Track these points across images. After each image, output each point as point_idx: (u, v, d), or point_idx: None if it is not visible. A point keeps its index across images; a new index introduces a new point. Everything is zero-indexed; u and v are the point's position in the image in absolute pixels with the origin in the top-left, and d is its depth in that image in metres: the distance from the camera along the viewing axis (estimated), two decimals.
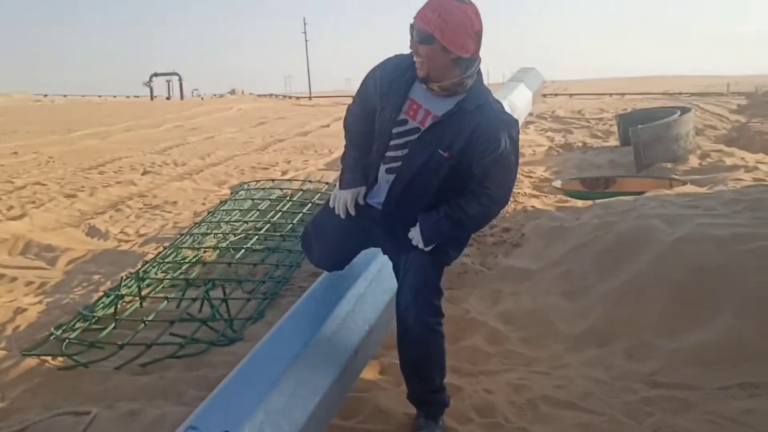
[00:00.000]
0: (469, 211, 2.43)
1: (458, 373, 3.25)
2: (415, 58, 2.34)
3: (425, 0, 2.29)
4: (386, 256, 2.75)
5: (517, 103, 8.60)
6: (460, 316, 3.90)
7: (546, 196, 6.51)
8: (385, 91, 2.46)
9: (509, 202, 2.56)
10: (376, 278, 3.10)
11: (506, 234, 5.26)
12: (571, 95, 33.91)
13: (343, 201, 2.58)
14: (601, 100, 27.39)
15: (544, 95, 22.66)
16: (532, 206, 5.97)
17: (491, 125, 2.34)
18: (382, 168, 2.50)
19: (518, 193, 6.72)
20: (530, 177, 7.98)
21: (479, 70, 2.40)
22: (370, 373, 3.22)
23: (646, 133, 8.70)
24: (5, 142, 15.48)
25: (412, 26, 2.31)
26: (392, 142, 2.45)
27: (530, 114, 11.19)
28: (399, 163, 2.44)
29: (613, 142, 11.96)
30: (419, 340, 2.52)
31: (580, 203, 5.93)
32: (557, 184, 7.24)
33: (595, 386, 3.02)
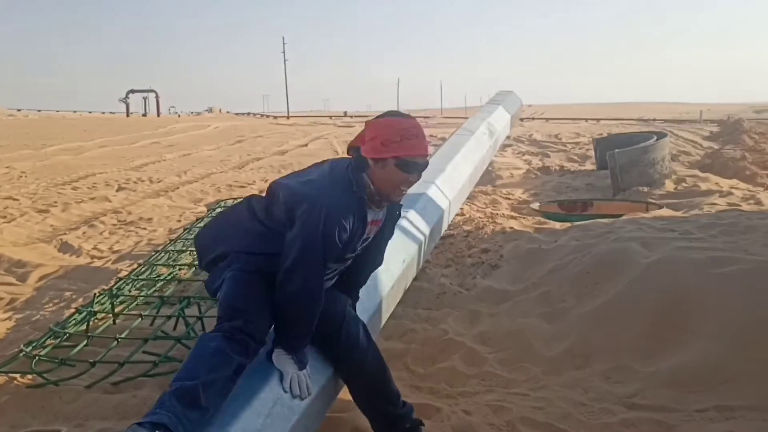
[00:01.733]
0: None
1: (437, 395, 3.23)
2: (403, 188, 2.36)
3: (402, 127, 2.30)
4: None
5: (496, 125, 8.62)
6: (438, 337, 3.88)
7: (524, 218, 6.54)
8: (347, 240, 2.35)
9: None
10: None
11: (485, 255, 5.26)
12: (547, 119, 34.39)
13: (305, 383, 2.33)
14: (577, 125, 27.80)
15: (521, 119, 22.90)
16: (511, 227, 5.99)
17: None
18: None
19: (497, 214, 6.74)
20: (508, 199, 8.03)
21: None
22: (348, 394, 3.18)
23: (623, 158, 8.81)
24: None
25: (406, 161, 2.28)
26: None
27: (508, 137, 11.26)
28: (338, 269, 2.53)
29: (590, 165, 12.11)
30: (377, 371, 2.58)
31: (558, 225, 5.96)
32: (535, 206, 7.29)
33: (573, 408, 3.01)
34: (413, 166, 2.30)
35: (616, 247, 4.45)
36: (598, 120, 32.06)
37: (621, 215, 6.12)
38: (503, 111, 9.76)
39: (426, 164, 2.35)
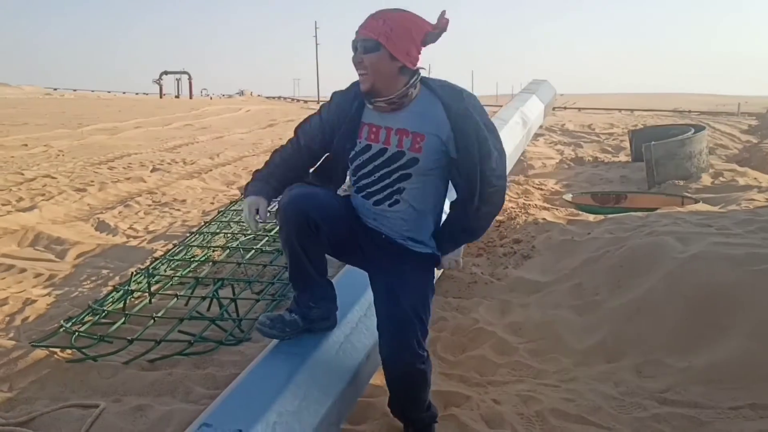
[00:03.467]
0: (481, 210, 2.35)
1: (466, 383, 3.24)
2: (358, 72, 2.24)
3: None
4: None
5: (530, 114, 8.57)
6: (468, 326, 3.89)
7: (557, 209, 6.49)
8: (335, 123, 2.38)
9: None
10: None
11: (517, 245, 5.25)
12: (579, 109, 33.95)
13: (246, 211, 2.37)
14: (610, 116, 27.42)
15: (553, 108, 22.71)
16: (543, 218, 5.95)
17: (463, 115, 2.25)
18: (363, 200, 2.42)
19: (529, 204, 6.71)
20: (541, 189, 7.97)
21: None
22: (379, 379, 3.21)
23: (660, 150, 8.68)
24: (16, 134, 15.55)
25: (354, 41, 2.24)
26: (360, 172, 2.37)
27: (540, 126, 11.16)
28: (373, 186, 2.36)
29: (624, 157, 11.96)
30: (404, 379, 2.45)
31: (591, 217, 5.91)
32: (568, 197, 7.23)
33: (604, 401, 3.00)
34: (355, 43, 2.25)
35: (651, 241, 4.40)
36: (632, 111, 31.57)
37: (656, 209, 6.04)
38: (537, 100, 9.70)
39: (365, 42, 2.19)
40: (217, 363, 3.42)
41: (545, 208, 6.52)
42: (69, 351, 3.50)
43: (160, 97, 50.33)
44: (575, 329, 3.78)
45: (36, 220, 6.69)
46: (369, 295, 2.90)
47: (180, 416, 2.81)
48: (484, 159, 2.23)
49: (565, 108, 33.04)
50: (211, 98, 48.53)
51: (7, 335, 3.80)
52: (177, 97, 51.40)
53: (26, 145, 13.48)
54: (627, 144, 12.38)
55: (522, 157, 9.28)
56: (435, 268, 2.53)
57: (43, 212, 7.09)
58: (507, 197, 7.09)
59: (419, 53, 2.25)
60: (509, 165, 7.10)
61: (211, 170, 10.51)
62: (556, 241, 5.16)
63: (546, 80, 11.37)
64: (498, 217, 6.11)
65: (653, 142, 8.79)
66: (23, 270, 5.11)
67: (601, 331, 3.67)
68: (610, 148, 13.14)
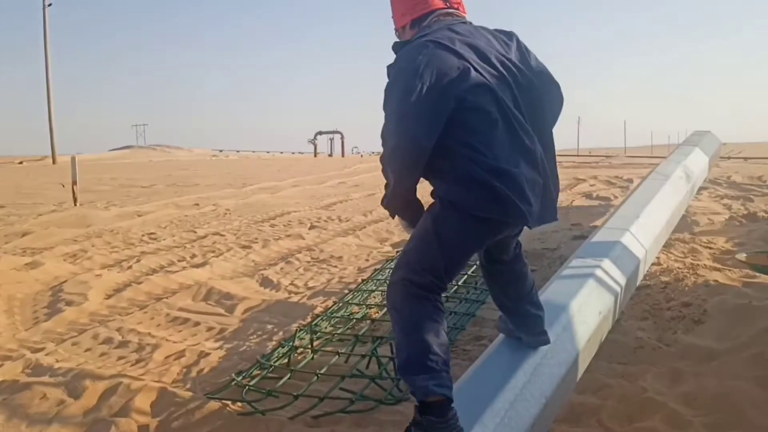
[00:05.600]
0: None
1: None
2: None
3: None
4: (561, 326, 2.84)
5: (693, 168, 8.12)
6: (636, 395, 3.67)
7: (730, 270, 6.03)
8: None
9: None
10: (551, 349, 3.01)
11: (686, 309, 4.92)
12: (746, 158, 31.68)
13: None
14: None
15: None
16: (715, 280, 5.55)
17: None
18: None
19: (698, 264, 6.29)
20: (709, 248, 7.45)
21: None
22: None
23: None
24: (188, 194, 16.97)
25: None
26: None
27: (704, 180, 10.52)
28: None
29: None
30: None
31: None
32: (742, 257, 6.69)
33: None
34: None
35: None
36: None
37: None
38: (700, 153, 9.17)
39: None
40: (377, 422, 3.46)
41: (716, 269, 6.08)
42: (239, 404, 3.69)
43: (315, 155, 52.91)
44: (759, 403, 3.45)
45: (208, 276, 7.19)
46: (532, 361, 2.87)
47: None
48: None
49: (729, 158, 30.94)
50: (362, 156, 50.31)
51: (185, 386, 4.09)
52: (330, 155, 53.81)
53: (197, 204, 14.65)
54: None
55: (685, 213, 8.76)
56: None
57: (214, 268, 7.61)
58: (672, 257, 6.73)
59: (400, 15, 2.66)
60: (674, 223, 6.73)
61: (364, 227, 10.82)
62: (730, 305, 4.78)
63: (709, 131, 10.76)
64: (663, 278, 5.81)
65: None
66: (197, 324, 5.50)
67: None
68: None
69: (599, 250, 4.41)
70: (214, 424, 3.50)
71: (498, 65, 2.48)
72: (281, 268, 7.72)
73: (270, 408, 3.62)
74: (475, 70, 2.39)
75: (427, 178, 2.49)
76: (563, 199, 14.65)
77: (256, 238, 9.76)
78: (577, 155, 52.13)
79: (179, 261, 8.15)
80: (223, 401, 3.72)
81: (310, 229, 10.87)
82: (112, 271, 7.44)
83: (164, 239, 9.78)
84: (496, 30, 2.67)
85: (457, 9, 2.68)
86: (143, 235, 10.14)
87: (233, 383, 3.92)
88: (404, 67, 2.40)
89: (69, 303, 6.05)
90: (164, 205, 14.61)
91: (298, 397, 3.65)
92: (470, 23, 2.66)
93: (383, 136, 2.43)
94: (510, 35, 2.66)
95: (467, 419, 2.36)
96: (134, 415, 3.57)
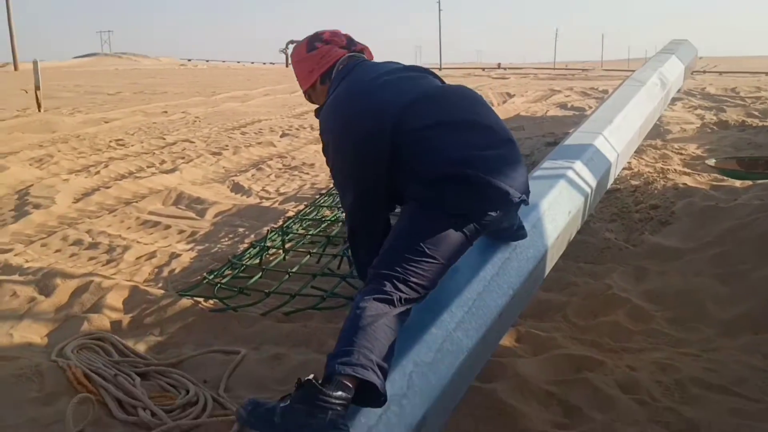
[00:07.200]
0: None
1: (599, 348, 3.15)
2: None
3: None
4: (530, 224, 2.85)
5: (669, 75, 8.04)
6: (601, 292, 3.76)
7: (699, 174, 6.10)
8: None
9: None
10: (521, 244, 3.02)
11: (654, 211, 4.99)
12: (721, 72, 31.70)
13: None
14: (756, 79, 25.37)
15: (692, 72, 21.33)
16: (684, 183, 5.62)
17: None
18: None
19: (667, 169, 6.35)
20: (680, 154, 7.51)
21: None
22: (508, 341, 3.19)
23: None
24: (156, 102, 16.55)
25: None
26: None
27: (678, 90, 10.49)
28: None
29: None
30: None
31: (737, 183, 5.51)
32: (711, 162, 6.77)
33: (751, 373, 2.82)
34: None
35: None
36: None
37: None
38: (677, 60, 9.07)
39: None
40: None
41: (686, 173, 6.15)
42: (212, 301, 3.72)
43: (286, 66, 51.70)
44: (719, 299, 3.56)
45: (177, 181, 7.11)
46: (502, 255, 2.88)
47: (315, 365, 2.90)
48: None
49: (704, 72, 30.92)
50: None
51: (157, 285, 4.09)
52: None
53: (166, 112, 14.33)
54: None
55: (658, 122, 8.77)
56: None
57: (184, 174, 7.52)
58: (643, 162, 6.78)
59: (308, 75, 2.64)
60: (647, 128, 6.73)
61: None
62: (698, 207, 4.86)
63: (687, 40, 10.62)
64: (634, 182, 5.86)
65: None
66: (168, 227, 5.47)
67: (748, 301, 3.44)
68: (757, 113, 12.13)
69: (571, 152, 4.38)
70: (186, 320, 3.53)
71: (405, 78, 2.33)
72: (252, 175, 7.65)
73: (242, 305, 3.65)
74: (388, 102, 2.18)
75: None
76: (538, 109, 14.58)
77: (227, 145, 9.62)
78: (554, 68, 51.68)
79: (148, 167, 8.03)
80: (195, 298, 3.74)
81: (281, 136, 10.74)
82: (80, 176, 7.31)
83: (132, 146, 9.60)
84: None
85: (362, 53, 2.57)
86: (110, 141, 9.93)
87: (205, 281, 3.93)
88: (326, 141, 2.30)
89: (36, 206, 5.95)
90: (131, 112, 14.26)
91: (269, 294, 3.67)
92: (374, 62, 2.55)
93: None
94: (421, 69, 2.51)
95: (436, 307, 2.39)
96: (107, 312, 3.58)
